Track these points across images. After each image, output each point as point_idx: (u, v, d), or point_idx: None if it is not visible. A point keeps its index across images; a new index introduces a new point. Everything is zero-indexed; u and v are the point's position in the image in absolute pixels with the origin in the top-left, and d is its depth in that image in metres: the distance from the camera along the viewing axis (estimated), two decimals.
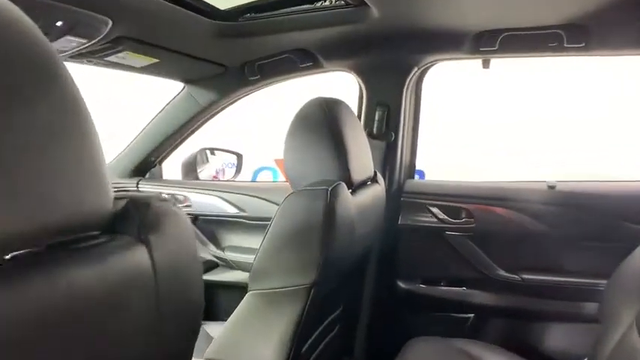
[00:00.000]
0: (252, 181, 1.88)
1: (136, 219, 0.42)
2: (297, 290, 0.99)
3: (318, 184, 1.01)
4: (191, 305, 0.49)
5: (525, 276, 1.53)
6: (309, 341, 1.15)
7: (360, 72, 1.58)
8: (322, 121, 1.07)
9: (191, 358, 0.51)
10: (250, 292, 1.04)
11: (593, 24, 1.20)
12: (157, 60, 1.36)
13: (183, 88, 1.70)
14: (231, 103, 1.72)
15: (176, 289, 0.45)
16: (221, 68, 1.59)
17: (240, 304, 1.07)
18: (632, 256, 1.28)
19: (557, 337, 1.52)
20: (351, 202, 1.05)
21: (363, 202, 1.15)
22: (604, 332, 1.27)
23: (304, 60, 1.52)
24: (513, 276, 1.54)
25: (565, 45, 1.22)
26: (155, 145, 1.81)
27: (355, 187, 1.12)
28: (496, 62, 1.43)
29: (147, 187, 1.83)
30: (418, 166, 1.71)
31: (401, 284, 1.67)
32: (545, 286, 1.51)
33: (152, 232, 0.42)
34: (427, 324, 1.62)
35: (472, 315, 1.61)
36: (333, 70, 1.60)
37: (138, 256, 0.41)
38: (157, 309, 0.42)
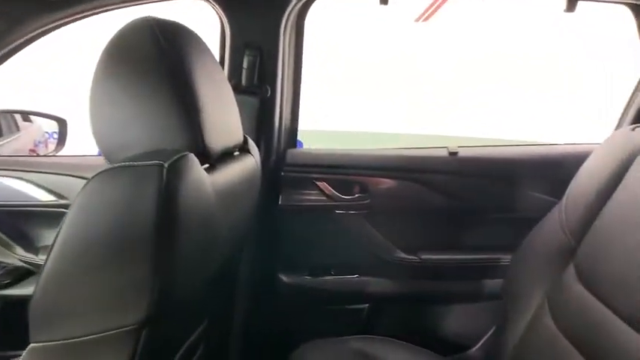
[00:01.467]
0: (75, 156, 1.39)
1: None
2: (115, 336, 0.59)
3: (147, 157, 0.61)
4: None
5: (424, 256, 1.34)
6: None
7: (223, 4, 1.17)
8: (154, 56, 0.67)
9: None
10: (32, 345, 0.61)
11: None
12: None
13: None
14: (30, 41, 1.16)
15: None
16: None
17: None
18: (539, 228, 1.15)
19: (459, 319, 1.39)
20: (206, 183, 0.68)
21: (227, 182, 0.78)
22: (512, 310, 1.13)
23: None
24: (411, 257, 1.34)
25: None
26: None
27: (214, 161, 0.74)
28: None
29: None
30: None
31: (283, 278, 1.37)
32: (446, 265, 1.35)
33: None
34: (316, 322, 1.36)
35: (367, 305, 1.39)
36: None
37: None
38: None
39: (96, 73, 0.67)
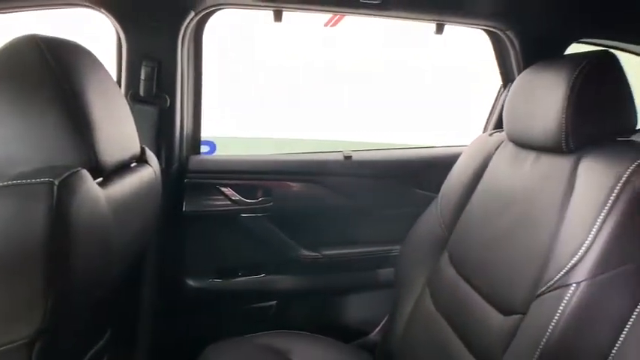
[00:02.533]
0: None
1: None
2: (6, 351, 0.60)
3: (37, 174, 0.62)
4: None
5: (325, 252, 1.45)
6: None
7: (116, 12, 1.16)
8: (41, 72, 0.67)
9: None
10: None
11: None
12: None
13: None
14: None
15: None
16: None
17: None
18: (420, 221, 1.31)
19: (359, 308, 1.53)
20: (100, 198, 0.70)
21: (123, 195, 0.80)
22: (400, 296, 1.28)
23: None
24: (314, 254, 1.44)
25: (362, 1, 1.09)
26: None
27: (108, 175, 0.76)
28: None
29: None
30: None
31: (190, 282, 1.39)
32: (346, 259, 1.47)
33: None
34: (226, 323, 1.40)
35: (274, 302, 1.46)
36: (77, 6, 1.15)
37: None
38: None
39: None
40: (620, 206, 0.72)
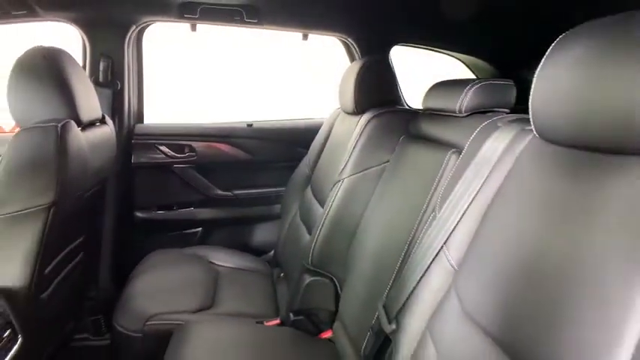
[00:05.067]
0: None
1: None
2: (37, 211, 1.17)
3: (47, 122, 1.19)
4: None
5: (235, 191, 2.05)
6: (54, 263, 1.34)
7: (81, 25, 1.71)
8: (45, 67, 1.23)
9: None
10: None
11: (263, 5, 1.70)
12: None
13: None
14: None
15: None
16: None
17: None
18: (297, 169, 1.94)
19: (260, 232, 2.12)
20: (81, 138, 1.28)
21: (93, 140, 1.38)
22: (281, 223, 1.90)
23: (17, 7, 1.55)
24: (227, 193, 2.04)
25: (245, 19, 1.70)
26: None
27: (84, 126, 1.34)
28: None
29: None
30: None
31: (139, 214, 1.96)
32: (249, 197, 2.07)
33: None
34: (165, 243, 1.95)
35: (200, 229, 2.05)
36: (53, 20, 1.68)
37: None
38: None
39: (11, 77, 1.22)
40: None
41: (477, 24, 1.79)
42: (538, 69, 0.66)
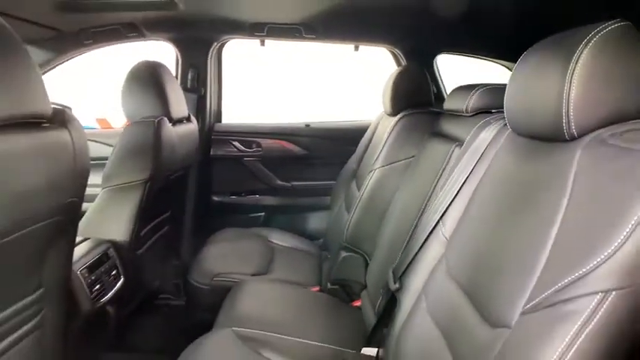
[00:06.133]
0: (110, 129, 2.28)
1: None
2: (137, 184, 1.56)
3: (148, 118, 1.59)
4: None
5: (294, 183, 2.37)
6: (147, 228, 1.73)
7: (175, 43, 2.14)
8: (148, 77, 1.63)
9: None
10: (104, 189, 1.57)
11: (319, 23, 1.99)
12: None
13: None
14: (65, 62, 2.08)
15: None
16: (57, 32, 1.95)
17: (97, 200, 1.59)
18: (346, 165, 2.20)
19: (314, 219, 2.40)
20: (172, 131, 1.66)
21: (180, 133, 1.76)
22: (330, 212, 2.17)
23: (131, 31, 2.00)
24: (286, 184, 2.36)
25: (304, 35, 2.01)
26: None
27: (174, 122, 1.73)
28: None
29: None
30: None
31: (214, 198, 2.36)
32: (305, 188, 2.38)
33: None
34: (234, 223, 2.29)
35: (263, 213, 2.40)
36: (155, 40, 2.12)
37: None
38: None
39: (125, 82, 1.62)
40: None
41: (517, 33, 1.92)
42: (510, 76, 0.84)
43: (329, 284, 1.71)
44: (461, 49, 2.14)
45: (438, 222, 1.09)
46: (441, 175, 1.28)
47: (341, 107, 3.26)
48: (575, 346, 0.56)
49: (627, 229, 0.54)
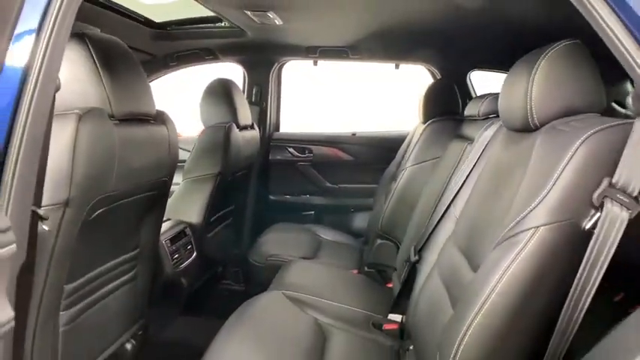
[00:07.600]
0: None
1: None
2: (209, 177, 1.92)
3: (220, 124, 1.96)
4: None
5: (341, 185, 2.67)
6: (215, 216, 2.09)
7: (243, 64, 2.55)
8: (222, 90, 2.02)
9: None
10: (184, 180, 1.96)
11: (364, 45, 2.31)
12: None
13: None
14: (155, 80, 2.55)
15: None
16: (150, 56, 2.42)
17: (177, 189, 1.98)
18: (387, 169, 2.47)
19: (357, 219, 2.67)
20: (238, 135, 2.03)
21: (245, 137, 2.13)
22: (374, 207, 2.43)
23: (208, 54, 2.43)
24: (335, 185, 2.67)
25: (350, 56, 2.33)
26: None
27: (241, 129, 2.10)
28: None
29: None
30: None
31: (271, 197, 2.71)
32: (351, 190, 2.66)
33: None
34: (287, 220, 2.60)
35: (313, 212, 2.71)
36: (227, 62, 2.54)
37: None
38: None
39: (204, 95, 2.02)
40: (574, 164, 0.72)
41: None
42: (503, 81, 1.03)
43: (366, 267, 1.97)
44: (491, 66, 2.35)
45: (450, 204, 1.34)
46: (455, 167, 1.52)
47: (383, 119, 3.58)
48: (510, 270, 0.74)
49: (553, 181, 0.74)
